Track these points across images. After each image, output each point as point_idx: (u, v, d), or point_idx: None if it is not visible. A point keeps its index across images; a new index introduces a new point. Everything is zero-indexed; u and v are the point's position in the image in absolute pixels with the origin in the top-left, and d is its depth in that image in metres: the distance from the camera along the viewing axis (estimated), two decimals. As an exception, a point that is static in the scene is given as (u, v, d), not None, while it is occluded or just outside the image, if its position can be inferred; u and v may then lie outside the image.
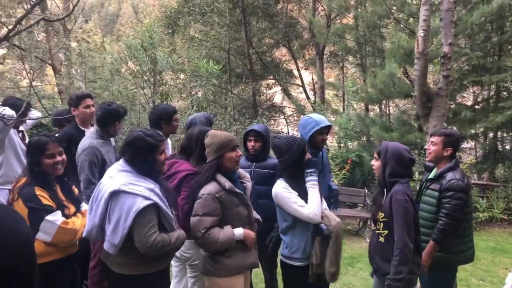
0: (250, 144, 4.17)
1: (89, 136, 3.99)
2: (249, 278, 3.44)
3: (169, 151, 4.51)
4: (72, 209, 3.18)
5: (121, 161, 2.92)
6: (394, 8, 8.79)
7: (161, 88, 7.83)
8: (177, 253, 3.57)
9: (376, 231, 3.29)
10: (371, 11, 9.35)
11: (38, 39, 10.36)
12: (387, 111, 15.06)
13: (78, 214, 3.19)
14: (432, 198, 3.67)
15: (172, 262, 3.71)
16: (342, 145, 8.31)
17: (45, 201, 2.99)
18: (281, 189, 3.25)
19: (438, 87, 5.01)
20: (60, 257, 3.11)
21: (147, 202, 2.72)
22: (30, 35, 10.78)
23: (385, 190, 3.25)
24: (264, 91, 21.19)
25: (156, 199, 2.79)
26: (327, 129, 4.05)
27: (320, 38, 11.51)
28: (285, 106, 21.25)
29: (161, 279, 3.07)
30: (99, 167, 3.85)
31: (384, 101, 11.38)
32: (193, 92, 9.26)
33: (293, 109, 20.03)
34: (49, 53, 10.75)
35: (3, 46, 11.54)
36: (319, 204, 3.18)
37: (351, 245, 6.97)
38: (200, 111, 7.98)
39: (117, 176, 2.84)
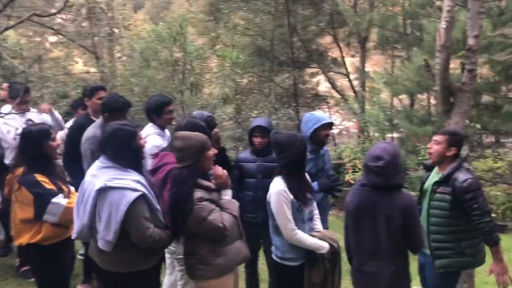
0: (257, 140, 4.16)
1: (94, 126, 4.13)
2: (238, 272, 3.43)
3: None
4: (67, 189, 3.38)
5: (101, 159, 2.94)
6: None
7: (191, 79, 7.93)
8: None
9: None
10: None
11: (82, 27, 10.77)
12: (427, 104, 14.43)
13: (72, 194, 3.35)
14: (444, 202, 3.50)
15: (166, 254, 3.77)
16: (370, 137, 8.06)
17: (47, 186, 3.23)
18: (279, 192, 3.18)
19: (462, 81, 4.69)
20: (65, 238, 3.34)
21: (136, 194, 2.75)
22: (76, 23, 11.23)
23: None
24: (308, 79, 20.84)
25: (144, 190, 2.83)
26: (329, 126, 4.09)
27: (355, 27, 11.16)
28: (328, 96, 20.75)
29: (153, 274, 3.17)
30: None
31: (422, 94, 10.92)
32: (225, 81, 9.31)
33: (338, 99, 19.63)
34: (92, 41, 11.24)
35: (53, 33, 12.18)
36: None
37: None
38: (227, 103, 8.08)
39: (100, 173, 2.85)
